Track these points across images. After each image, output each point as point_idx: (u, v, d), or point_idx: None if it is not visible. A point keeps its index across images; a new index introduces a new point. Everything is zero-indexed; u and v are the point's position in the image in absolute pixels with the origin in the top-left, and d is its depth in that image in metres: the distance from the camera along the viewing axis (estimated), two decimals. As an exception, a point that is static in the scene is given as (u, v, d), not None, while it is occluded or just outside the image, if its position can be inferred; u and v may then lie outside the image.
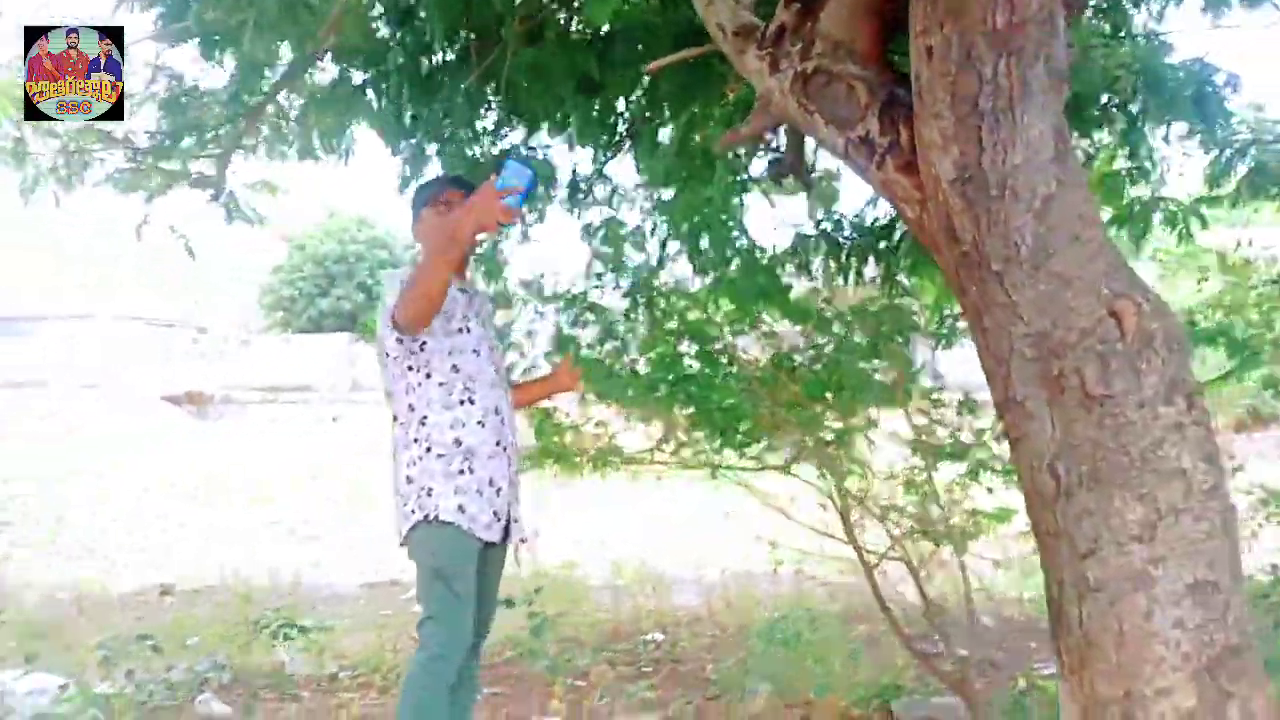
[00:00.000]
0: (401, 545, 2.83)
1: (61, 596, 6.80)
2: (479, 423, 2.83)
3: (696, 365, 4.36)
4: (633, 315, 4.41)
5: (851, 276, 4.64)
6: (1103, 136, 4.74)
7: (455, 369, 2.81)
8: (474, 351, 2.87)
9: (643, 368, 4.26)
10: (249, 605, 5.74)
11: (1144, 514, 1.94)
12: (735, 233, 4.82)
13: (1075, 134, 4.59)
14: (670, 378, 4.37)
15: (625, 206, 5.12)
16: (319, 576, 8.09)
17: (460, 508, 2.77)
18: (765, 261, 4.65)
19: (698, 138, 4.48)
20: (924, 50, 1.99)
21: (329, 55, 4.05)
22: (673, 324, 4.32)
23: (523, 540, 2.98)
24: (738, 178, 4.81)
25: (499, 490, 2.85)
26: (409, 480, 2.82)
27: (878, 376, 3.97)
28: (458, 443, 2.80)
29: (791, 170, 3.40)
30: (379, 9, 3.68)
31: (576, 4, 4.26)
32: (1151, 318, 2.00)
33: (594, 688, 4.46)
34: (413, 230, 3.08)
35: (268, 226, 5.45)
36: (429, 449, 2.81)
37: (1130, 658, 1.93)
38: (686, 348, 4.45)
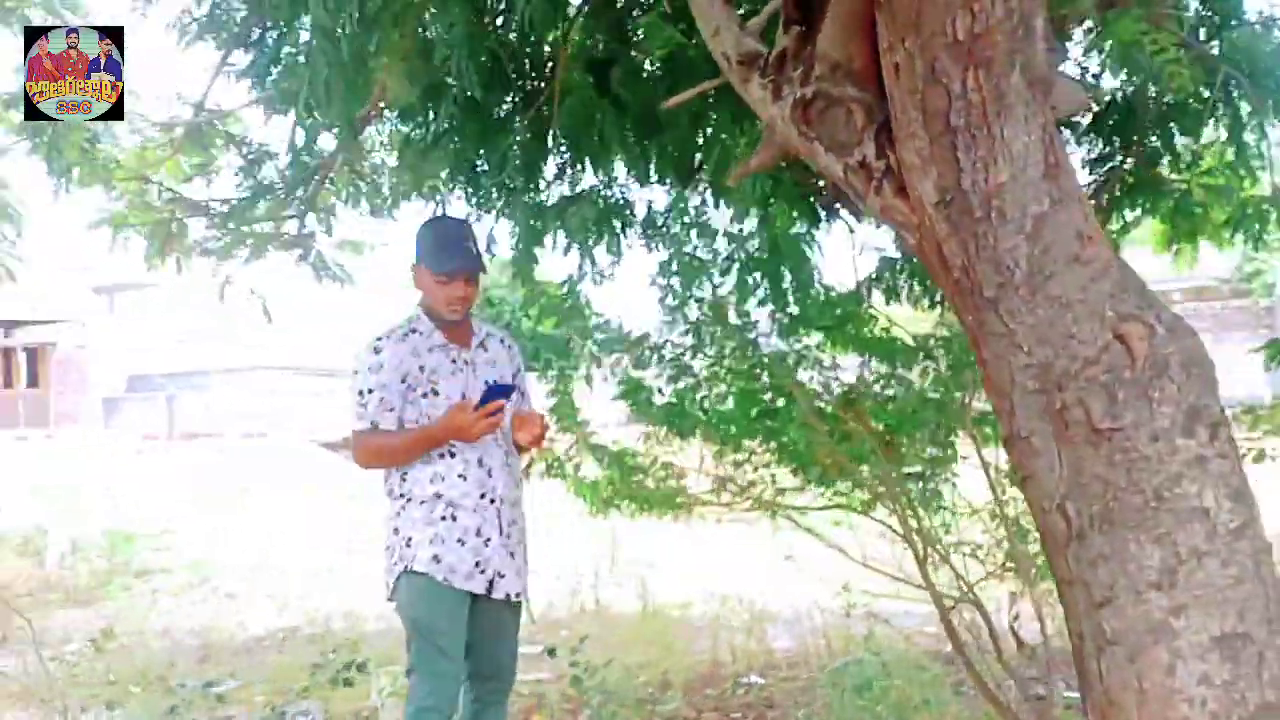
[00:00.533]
0: (389, 600, 2.86)
1: (191, 643, 7.13)
2: (460, 475, 2.82)
3: (771, 399, 4.24)
4: (705, 350, 4.33)
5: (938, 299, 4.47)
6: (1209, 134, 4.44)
7: (428, 421, 2.84)
8: (449, 408, 2.82)
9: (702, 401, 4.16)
10: (357, 648, 5.84)
11: (1162, 558, 1.76)
12: (811, 263, 4.70)
13: (1178, 134, 4.31)
14: (751, 413, 4.27)
15: (704, 241, 5.07)
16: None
17: (435, 558, 2.76)
18: (841, 292, 4.53)
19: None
20: (891, 68, 1.89)
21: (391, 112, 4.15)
22: (737, 360, 4.21)
23: (516, 596, 2.91)
24: (815, 205, 4.70)
25: (487, 540, 2.82)
26: (395, 531, 2.86)
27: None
28: (438, 496, 2.81)
29: (836, 198, 3.27)
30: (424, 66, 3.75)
31: (632, 38, 4.25)
32: (1166, 341, 1.82)
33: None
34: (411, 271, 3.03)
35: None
36: (408, 499, 2.85)
37: (1152, 717, 1.74)
38: (763, 382, 4.34)
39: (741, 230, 4.69)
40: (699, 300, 4.37)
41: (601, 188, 5.08)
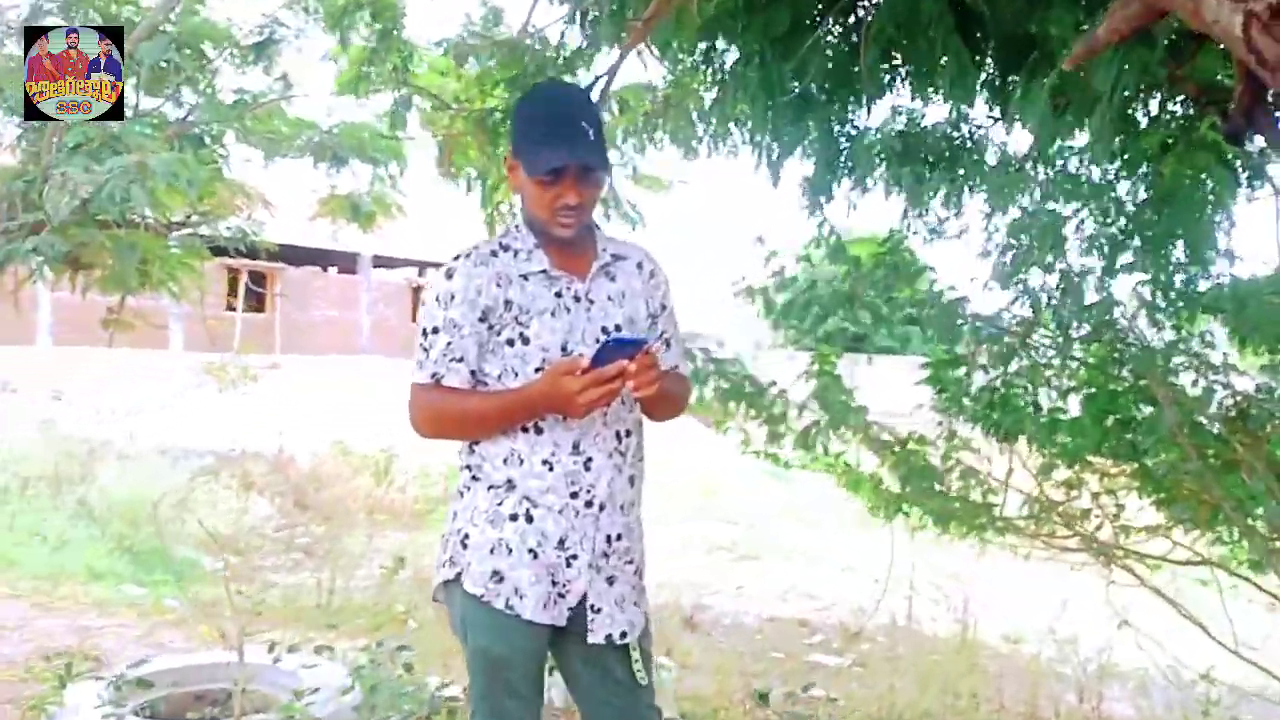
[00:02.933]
0: (435, 601, 2.10)
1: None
2: (544, 462, 1.93)
3: (1132, 405, 3.21)
4: (1046, 329, 3.36)
5: None
6: None
7: (514, 379, 1.95)
8: (546, 361, 1.93)
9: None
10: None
11: None
12: (1213, 230, 3.56)
13: None
14: (1103, 420, 3.27)
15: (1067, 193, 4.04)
16: (733, 601, 7.66)
17: (495, 574, 1.93)
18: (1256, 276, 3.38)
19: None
20: None
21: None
22: (1092, 349, 3.21)
23: (621, 637, 1.97)
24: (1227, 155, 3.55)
25: (573, 557, 1.94)
26: (454, 516, 2.03)
27: None
28: (510, 484, 1.95)
29: (1249, 122, 2.23)
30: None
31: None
32: None
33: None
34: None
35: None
36: (475, 477, 2.00)
37: None
38: (1123, 380, 3.30)
39: (1115, 178, 3.62)
40: (1046, 266, 3.40)
41: (949, 125, 4.22)
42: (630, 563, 2.03)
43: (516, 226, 2.04)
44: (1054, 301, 3.48)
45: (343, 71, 5.86)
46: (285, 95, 12.31)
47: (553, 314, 1.95)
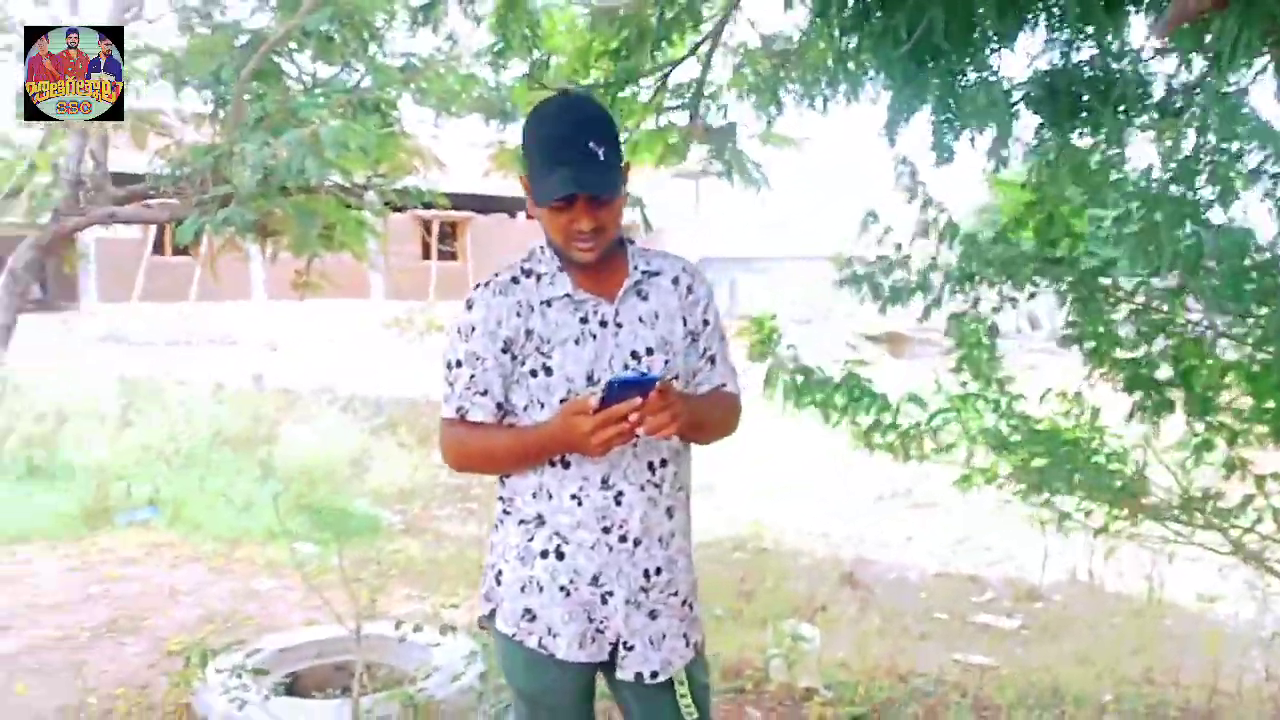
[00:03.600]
0: (481, 628, 2.02)
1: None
2: (573, 497, 1.84)
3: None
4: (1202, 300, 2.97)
5: None
6: None
7: (541, 411, 1.85)
8: (572, 392, 1.82)
9: None
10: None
11: None
12: None
13: None
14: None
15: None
16: (901, 553, 7.37)
17: (528, 613, 1.87)
18: None
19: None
20: None
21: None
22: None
23: (652, 677, 1.88)
24: None
25: (609, 593, 1.85)
26: (492, 548, 1.96)
27: None
28: (540, 520, 1.87)
29: None
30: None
31: None
32: None
33: None
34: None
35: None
36: (507, 510, 1.93)
37: None
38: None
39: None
40: (1198, 224, 2.99)
41: (1108, 58, 3.79)
42: (675, 594, 1.92)
43: (541, 248, 1.91)
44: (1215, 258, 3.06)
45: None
46: (449, 58, 12.43)
47: (576, 341, 1.83)
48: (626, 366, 1.83)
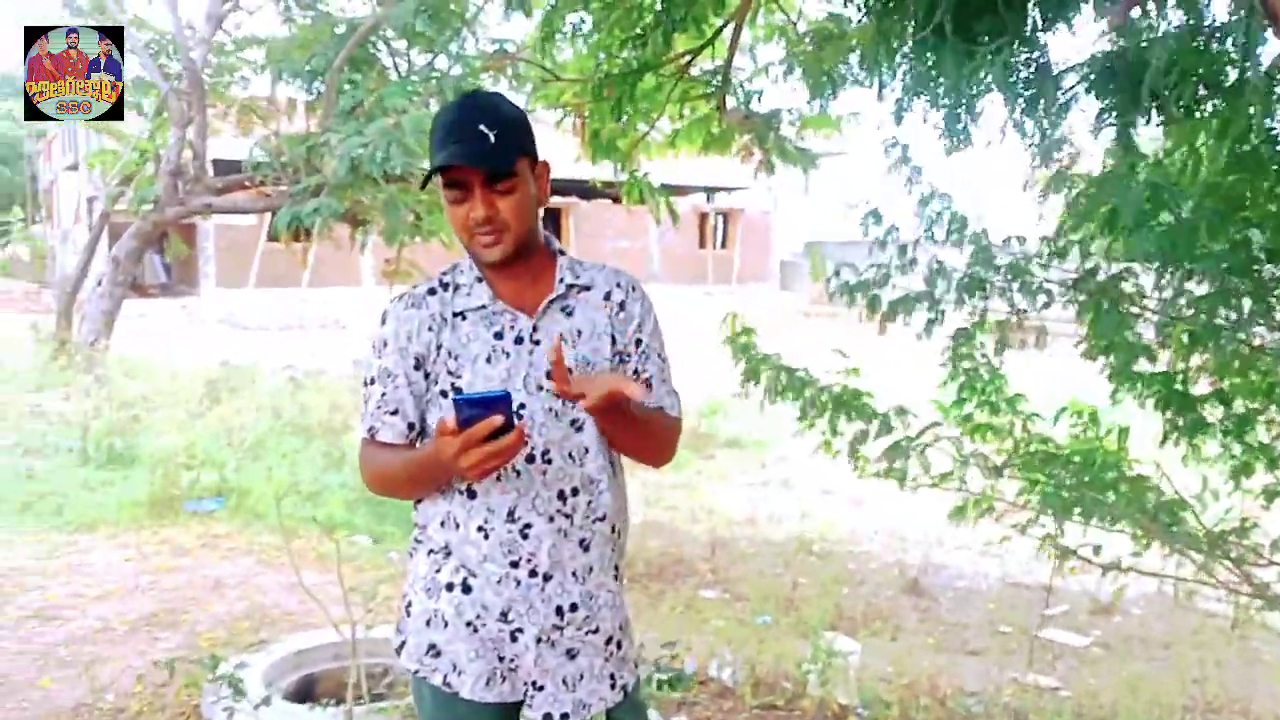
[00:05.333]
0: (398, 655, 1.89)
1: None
2: (480, 529, 1.72)
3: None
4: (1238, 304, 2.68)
5: None
6: None
7: None
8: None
9: None
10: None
11: None
12: None
13: None
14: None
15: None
16: (975, 560, 7.00)
17: (432, 648, 1.76)
18: None
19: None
20: None
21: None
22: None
23: (562, 718, 1.75)
24: None
25: (517, 631, 1.74)
26: (406, 575, 1.86)
27: None
28: (447, 550, 1.75)
29: None
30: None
31: None
32: None
33: None
34: None
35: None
36: (419, 539, 1.82)
37: None
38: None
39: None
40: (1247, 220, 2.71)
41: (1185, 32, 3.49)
42: (595, 631, 1.79)
43: (460, 262, 1.80)
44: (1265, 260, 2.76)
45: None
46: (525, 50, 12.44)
47: (488, 359, 1.71)
48: (541, 387, 1.71)
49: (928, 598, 6.13)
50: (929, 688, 4.36)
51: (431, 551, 1.78)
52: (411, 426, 1.76)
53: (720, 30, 3.51)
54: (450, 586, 1.75)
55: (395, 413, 1.75)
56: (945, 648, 5.28)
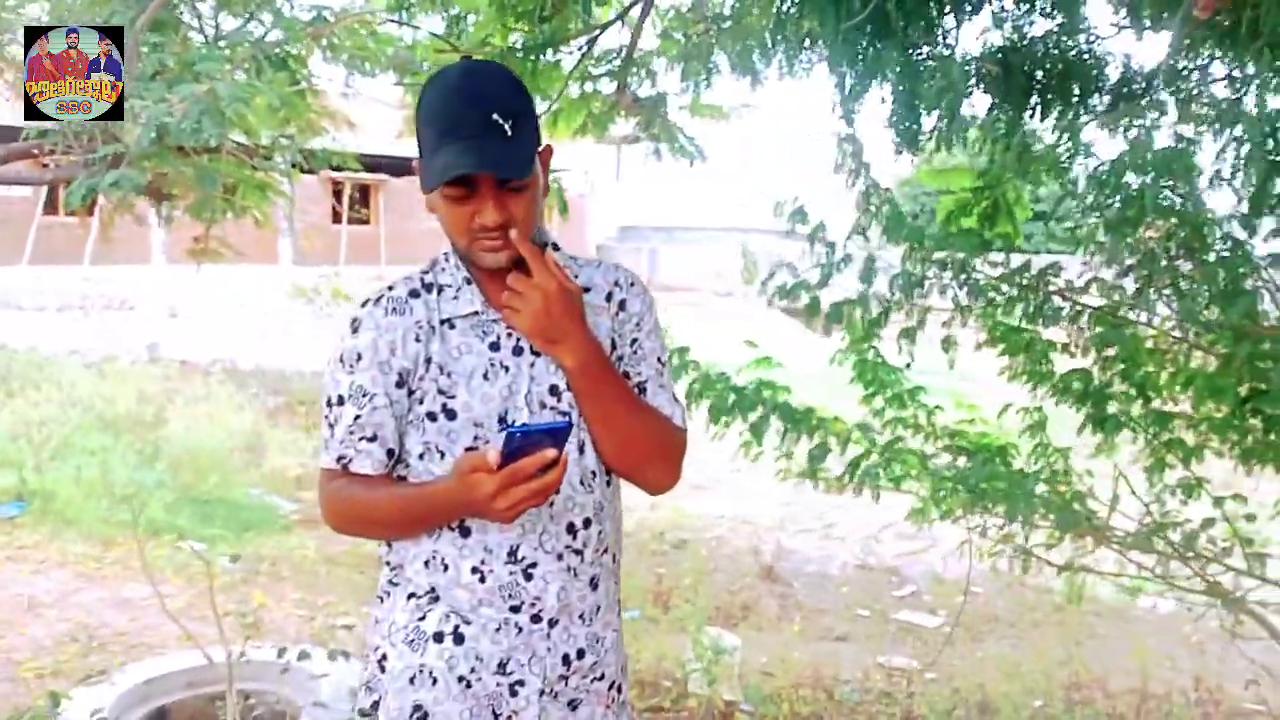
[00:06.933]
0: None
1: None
2: (474, 571, 1.47)
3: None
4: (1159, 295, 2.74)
5: None
6: None
7: (441, 462, 1.48)
8: (480, 440, 1.45)
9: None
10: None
11: None
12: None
13: None
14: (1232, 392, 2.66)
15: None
16: (821, 543, 7.13)
17: (418, 709, 1.47)
18: None
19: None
20: None
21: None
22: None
23: None
24: None
25: (518, 684, 1.49)
26: (375, 623, 1.57)
27: None
28: (434, 594, 1.50)
29: None
30: None
31: None
32: None
33: None
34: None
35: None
36: (394, 581, 1.55)
37: None
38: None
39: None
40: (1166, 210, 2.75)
41: (1058, 34, 3.55)
42: (600, 679, 1.57)
43: (446, 255, 1.53)
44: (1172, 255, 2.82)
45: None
46: (362, 12, 11.84)
47: (485, 375, 1.46)
48: (544, 404, 1.48)
49: (782, 583, 6.17)
50: (811, 678, 4.35)
51: (413, 596, 1.51)
52: (391, 454, 1.49)
53: (630, 7, 3.32)
54: (439, 637, 1.48)
55: (373, 439, 1.48)
56: (810, 635, 5.31)
